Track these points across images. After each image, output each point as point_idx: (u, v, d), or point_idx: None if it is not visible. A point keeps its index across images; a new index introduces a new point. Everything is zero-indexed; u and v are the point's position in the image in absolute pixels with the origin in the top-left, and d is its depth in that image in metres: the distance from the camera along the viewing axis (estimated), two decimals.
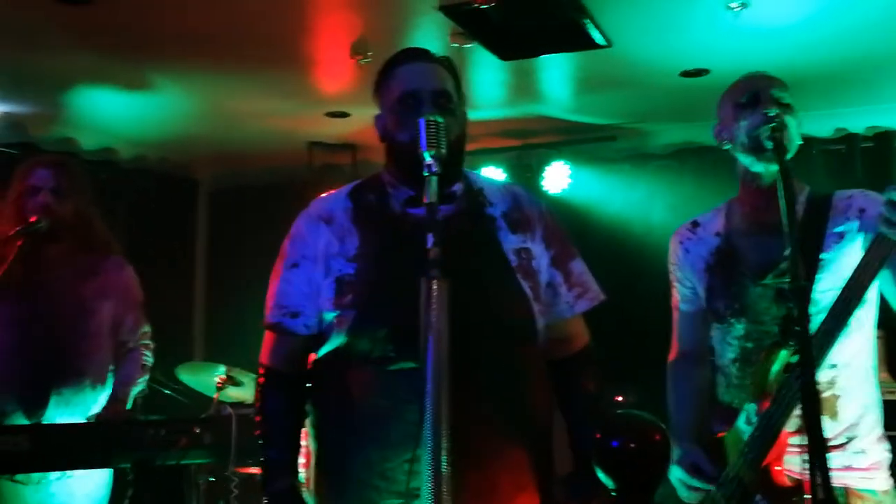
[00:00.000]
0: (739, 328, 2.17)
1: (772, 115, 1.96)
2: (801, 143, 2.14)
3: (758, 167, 2.11)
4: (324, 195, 2.10)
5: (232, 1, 3.66)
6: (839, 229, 2.08)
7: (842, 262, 2.04)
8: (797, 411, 1.88)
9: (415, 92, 1.93)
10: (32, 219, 2.92)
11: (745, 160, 2.14)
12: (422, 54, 2.01)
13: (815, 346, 1.89)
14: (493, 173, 5.49)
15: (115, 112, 5.26)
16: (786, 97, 2.14)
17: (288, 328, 1.97)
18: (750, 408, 2.06)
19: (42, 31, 3.90)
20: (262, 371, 2.03)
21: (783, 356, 1.98)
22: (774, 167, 2.04)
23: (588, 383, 2.06)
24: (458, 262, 1.78)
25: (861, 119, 5.03)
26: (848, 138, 5.05)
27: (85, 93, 4.89)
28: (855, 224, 2.07)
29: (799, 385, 1.58)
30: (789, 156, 2.07)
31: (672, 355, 2.39)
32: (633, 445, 1.54)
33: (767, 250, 2.10)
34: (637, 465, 1.54)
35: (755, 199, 2.16)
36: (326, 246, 1.93)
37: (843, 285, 1.92)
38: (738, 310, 2.16)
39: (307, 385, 2.01)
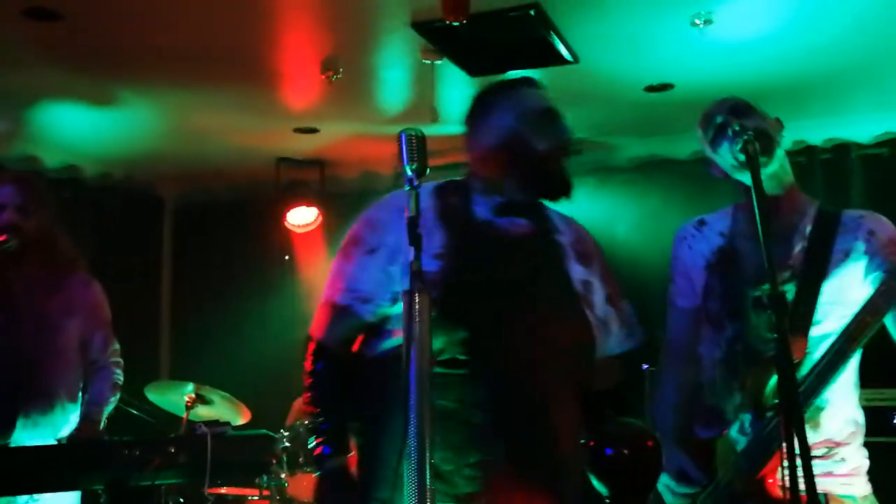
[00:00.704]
0: (731, 330, 2.18)
1: (737, 129, 2.00)
2: (783, 151, 2.20)
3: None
4: (399, 190, 2.09)
5: (201, 17, 3.65)
6: (845, 247, 2.12)
7: (844, 279, 2.10)
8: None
9: (545, 109, 2.12)
10: (1, 238, 2.88)
11: (745, 178, 2.17)
12: (533, 82, 2.20)
13: (817, 374, 1.97)
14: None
15: (79, 129, 5.21)
16: (748, 106, 2.19)
17: (355, 311, 1.96)
18: (745, 417, 2.07)
19: (8, 46, 3.86)
20: (313, 345, 2.01)
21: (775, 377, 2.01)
22: (773, 165, 2.11)
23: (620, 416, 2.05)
24: (534, 280, 1.90)
25: (820, 131, 5.15)
26: (807, 150, 5.15)
27: (49, 109, 4.84)
28: (862, 245, 2.11)
29: (781, 393, 1.61)
30: (773, 165, 2.13)
31: (663, 354, 2.40)
32: (626, 452, 1.56)
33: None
34: (630, 471, 1.56)
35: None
36: (407, 238, 1.93)
37: (848, 323, 1.98)
38: (732, 312, 2.18)
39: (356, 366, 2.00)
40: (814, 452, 2.02)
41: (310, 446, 1.99)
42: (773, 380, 1.98)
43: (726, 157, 2.15)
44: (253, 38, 3.89)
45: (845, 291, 2.09)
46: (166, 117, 5.04)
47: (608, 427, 1.82)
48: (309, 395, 1.98)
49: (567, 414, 1.90)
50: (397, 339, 1.88)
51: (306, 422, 2.02)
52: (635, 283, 5.44)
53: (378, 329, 1.96)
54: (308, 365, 2.00)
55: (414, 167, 1.73)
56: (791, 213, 2.20)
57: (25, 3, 3.40)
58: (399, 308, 1.86)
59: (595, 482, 1.60)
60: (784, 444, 1.58)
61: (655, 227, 5.21)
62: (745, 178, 2.07)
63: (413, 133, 1.76)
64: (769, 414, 2.03)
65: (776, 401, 1.96)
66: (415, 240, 1.67)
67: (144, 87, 4.54)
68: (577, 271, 2.00)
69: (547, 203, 2.09)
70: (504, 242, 1.68)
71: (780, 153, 2.18)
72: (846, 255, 2.11)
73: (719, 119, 2.17)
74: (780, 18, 3.66)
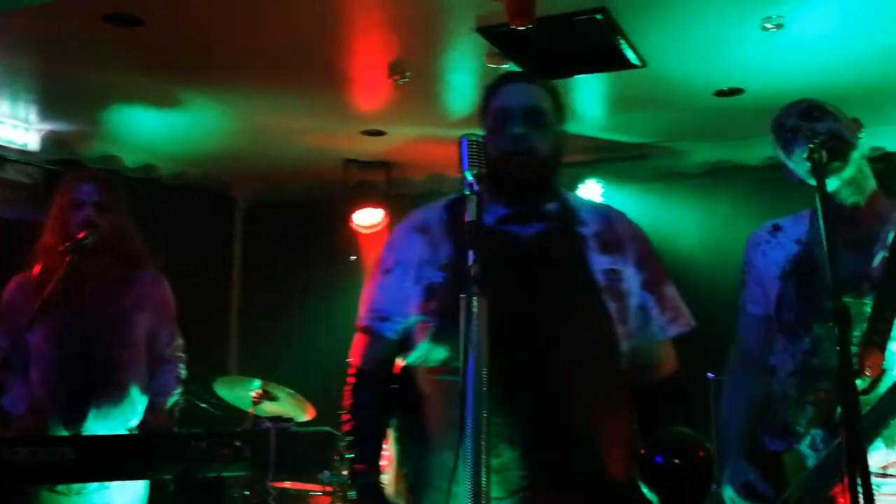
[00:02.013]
0: (807, 342, 2.10)
1: (808, 134, 1.95)
2: (861, 155, 2.11)
3: (829, 186, 2.03)
4: (423, 206, 2.13)
5: (272, 22, 3.74)
6: None
7: None
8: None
9: (507, 108, 1.97)
10: (80, 234, 2.99)
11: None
12: (520, 76, 2.08)
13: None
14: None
15: (156, 130, 5.38)
16: (819, 108, 2.11)
17: (377, 331, 2.03)
18: (816, 433, 2.02)
19: (91, 50, 4.01)
20: (351, 371, 2.09)
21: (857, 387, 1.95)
22: (836, 182, 2.04)
23: (673, 410, 2.02)
24: (544, 279, 1.86)
25: None
26: (885, 157, 4.99)
27: (128, 111, 5.01)
28: None
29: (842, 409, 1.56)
30: (849, 170, 2.06)
31: (733, 361, 2.33)
32: (677, 461, 1.54)
33: (849, 266, 2.02)
34: (681, 481, 1.54)
35: (838, 212, 2.09)
36: (420, 254, 1.99)
37: None
38: (809, 323, 2.10)
39: (394, 388, 2.05)
40: (889, 471, 1.97)
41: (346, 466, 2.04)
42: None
43: (799, 162, 2.07)
44: (322, 41, 3.97)
45: None
46: (238, 119, 5.17)
47: (659, 435, 1.80)
48: (347, 427, 2.04)
49: (590, 411, 1.88)
50: (417, 350, 1.94)
51: (347, 438, 2.05)
52: (704, 290, 5.41)
53: (405, 345, 1.99)
54: (345, 400, 2.07)
55: (474, 172, 1.76)
56: (872, 220, 2.10)
57: (106, 8, 3.54)
58: (416, 321, 1.94)
59: (645, 491, 1.59)
60: (846, 462, 1.53)
61: (725, 233, 5.13)
62: (843, 172, 2.05)
63: (473, 138, 1.79)
64: None
65: None
66: (475, 243, 1.68)
67: (218, 90, 4.66)
68: (602, 261, 1.96)
69: (573, 195, 2.08)
70: (512, 247, 1.67)
71: (856, 156, 2.09)
72: None
73: (790, 123, 2.11)
74: (852, 21, 3.58)
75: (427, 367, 1.94)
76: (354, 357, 2.09)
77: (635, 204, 5.68)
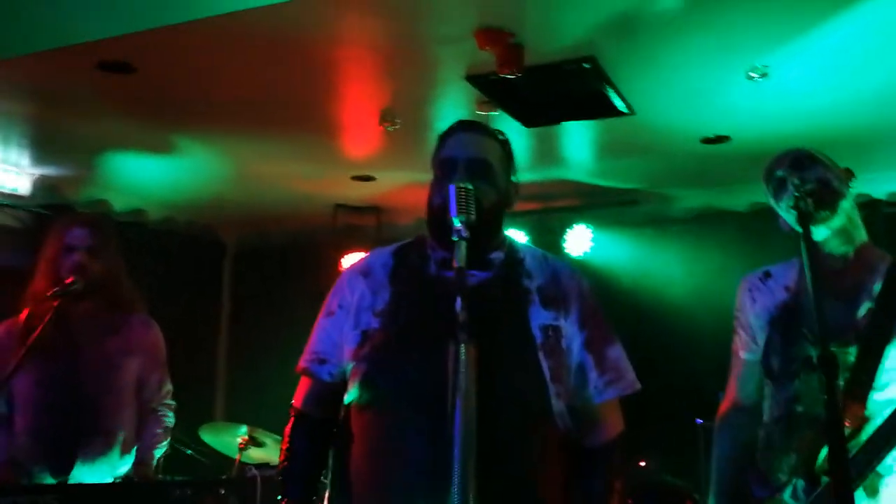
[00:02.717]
0: (791, 389, 2.11)
1: (796, 183, 1.97)
2: (852, 205, 2.13)
3: (817, 235, 2.07)
4: (373, 250, 2.14)
5: (264, 70, 3.78)
6: None
7: None
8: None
9: (451, 159, 1.98)
10: (69, 280, 2.98)
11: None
12: (470, 126, 2.06)
13: (878, 441, 1.88)
14: (515, 235, 5.56)
15: (146, 175, 5.40)
16: (809, 157, 2.13)
17: (314, 373, 2.03)
18: (798, 483, 2.01)
19: (85, 97, 4.05)
20: (291, 412, 2.09)
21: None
22: (826, 231, 2.05)
23: (612, 478, 1.96)
24: (481, 330, 1.78)
25: (884, 185, 5.05)
26: (871, 204, 5.05)
27: (118, 156, 5.03)
28: None
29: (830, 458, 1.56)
30: (838, 219, 2.07)
31: (725, 405, 2.32)
32: None
33: (835, 315, 2.02)
34: None
35: (828, 262, 2.12)
36: (360, 299, 1.98)
37: None
38: (794, 370, 2.11)
39: (332, 430, 2.04)
40: None
41: None
42: (825, 450, 1.92)
43: (787, 210, 2.10)
44: (314, 89, 4.01)
45: None
46: (228, 165, 5.20)
47: (647, 484, 1.79)
48: (280, 468, 2.05)
49: (517, 464, 1.84)
50: (350, 393, 1.93)
51: (279, 478, 2.05)
52: (691, 335, 5.42)
53: (344, 388, 1.98)
54: (283, 441, 2.07)
55: (462, 218, 1.78)
56: (860, 271, 2.12)
57: (101, 56, 3.57)
58: (349, 367, 1.94)
59: None
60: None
61: (713, 278, 5.16)
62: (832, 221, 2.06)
63: (462, 186, 1.83)
64: (824, 481, 1.96)
65: (827, 472, 1.91)
66: (462, 290, 1.69)
67: (208, 136, 4.69)
68: (542, 316, 1.93)
69: (521, 246, 2.07)
70: (448, 295, 1.66)
71: (846, 205, 2.11)
72: None
73: (779, 173, 2.13)
74: (836, 68, 3.64)
75: (357, 411, 1.93)
76: (295, 398, 2.09)
77: (624, 249, 5.73)
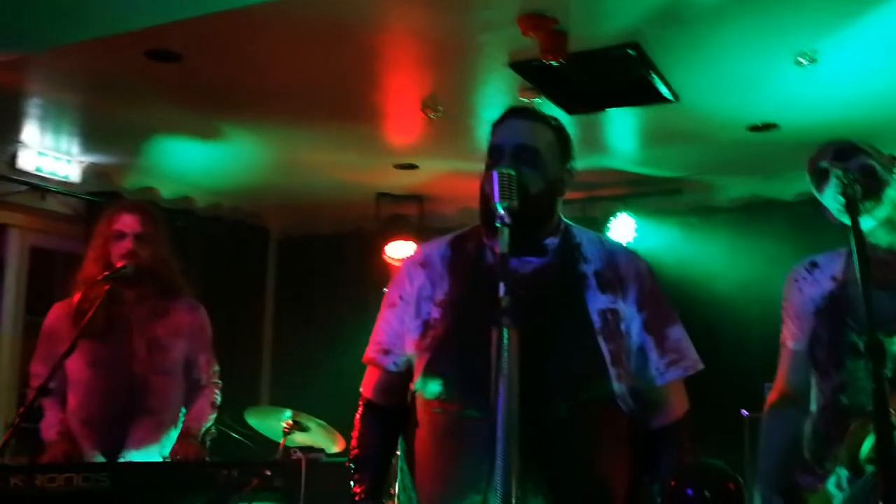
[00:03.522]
0: (836, 379, 2.10)
1: (839, 174, 1.95)
2: (894, 191, 2.09)
3: (863, 225, 2.00)
4: (430, 241, 2.16)
5: (308, 57, 3.81)
6: None
7: None
8: None
9: (499, 146, 1.99)
10: (119, 264, 3.05)
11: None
12: (520, 112, 2.05)
13: None
14: None
15: (192, 162, 5.48)
16: (851, 146, 2.11)
17: (379, 364, 2.08)
18: (842, 473, 2.00)
19: (131, 86, 4.12)
20: (360, 401, 2.14)
21: (870, 432, 1.92)
22: (871, 221, 2.03)
23: (680, 458, 1.94)
24: (537, 316, 1.83)
25: None
26: None
27: (165, 144, 5.12)
28: None
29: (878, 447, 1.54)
30: (884, 209, 2.05)
31: (773, 395, 2.32)
32: (707, 494, 1.52)
33: (881, 306, 1.95)
34: None
35: (874, 253, 2.08)
36: (420, 289, 2.01)
37: None
38: (839, 361, 2.09)
39: (400, 419, 2.08)
40: None
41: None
42: (871, 438, 1.90)
43: (831, 202, 2.09)
44: (357, 77, 4.03)
45: None
46: (273, 152, 5.25)
47: (689, 467, 1.78)
48: (352, 455, 2.09)
49: (579, 451, 1.86)
50: (417, 382, 1.96)
51: (350, 465, 2.10)
52: (737, 326, 5.35)
53: (411, 377, 2.02)
54: (354, 429, 2.12)
55: (505, 204, 1.79)
56: None
57: (148, 45, 3.63)
58: (413, 356, 1.97)
59: None
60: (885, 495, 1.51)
61: (759, 268, 5.10)
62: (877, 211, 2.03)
63: (505, 172, 1.83)
64: (868, 471, 1.94)
65: (871, 461, 1.90)
66: (505, 275, 1.70)
67: (253, 124, 4.75)
68: (600, 301, 1.93)
69: (578, 230, 2.07)
70: (509, 283, 1.68)
71: (892, 194, 2.08)
72: None
73: (822, 164, 2.11)
74: (885, 53, 3.56)
75: (424, 399, 1.96)
76: (363, 387, 2.14)
77: (668, 238, 5.67)
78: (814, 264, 2.26)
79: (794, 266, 2.31)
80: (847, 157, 2.09)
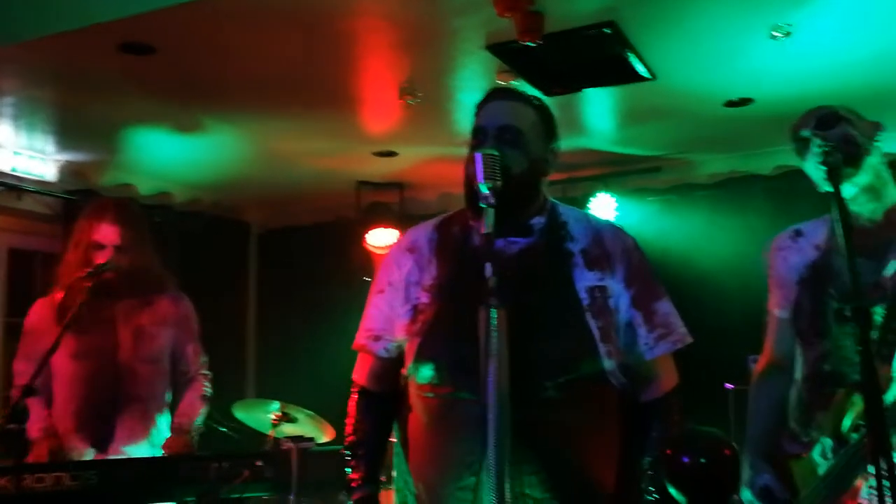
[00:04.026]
0: (819, 348, 2.12)
1: (818, 142, 1.95)
2: (881, 161, 2.10)
3: (844, 193, 2.00)
4: (416, 226, 2.15)
5: (283, 45, 3.78)
6: None
7: None
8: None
9: (482, 128, 1.99)
10: (99, 261, 3.02)
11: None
12: (502, 93, 2.06)
13: None
14: None
15: (170, 157, 5.44)
16: (833, 115, 2.10)
17: (370, 350, 2.08)
18: (826, 442, 2.02)
19: (105, 80, 4.07)
20: (353, 387, 2.14)
21: (854, 402, 1.96)
22: (852, 189, 2.03)
23: (669, 431, 1.96)
24: (525, 296, 1.84)
25: None
26: None
27: (142, 139, 5.07)
28: None
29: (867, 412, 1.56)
30: (864, 176, 2.05)
31: (761, 363, 2.33)
32: (703, 461, 1.54)
33: (862, 274, 1.94)
34: (707, 480, 1.54)
35: (856, 220, 2.08)
36: (408, 274, 2.01)
37: None
38: (821, 330, 2.11)
39: (394, 404, 2.09)
40: None
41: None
42: (852, 411, 1.93)
43: (813, 170, 2.08)
44: (333, 63, 4.00)
45: None
46: (251, 144, 5.22)
47: (684, 435, 1.80)
48: (347, 441, 2.09)
49: (570, 427, 1.87)
50: (409, 368, 1.97)
51: (345, 451, 2.10)
52: (718, 301, 5.38)
53: (402, 363, 2.02)
54: (348, 416, 2.12)
55: (489, 185, 1.79)
56: (888, 229, 2.09)
57: (121, 38, 3.59)
58: (404, 342, 1.97)
59: (672, 491, 1.59)
60: (873, 462, 1.52)
61: (738, 242, 5.14)
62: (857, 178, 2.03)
63: (488, 153, 1.83)
64: (852, 440, 1.96)
65: (855, 431, 1.92)
66: (491, 255, 1.70)
67: (230, 115, 4.71)
68: (587, 278, 1.93)
69: (564, 209, 2.07)
70: (495, 263, 1.67)
71: (872, 161, 2.08)
72: None
73: (803, 133, 2.11)
74: (860, 25, 3.58)
75: (416, 384, 1.97)
76: (354, 374, 2.14)
77: (649, 216, 5.70)
78: (798, 232, 2.27)
79: (778, 234, 2.32)
80: (828, 125, 2.09)
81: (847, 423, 1.97)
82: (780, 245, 2.29)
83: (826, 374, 2.08)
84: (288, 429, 4.40)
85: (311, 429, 4.39)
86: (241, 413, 4.56)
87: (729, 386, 4.87)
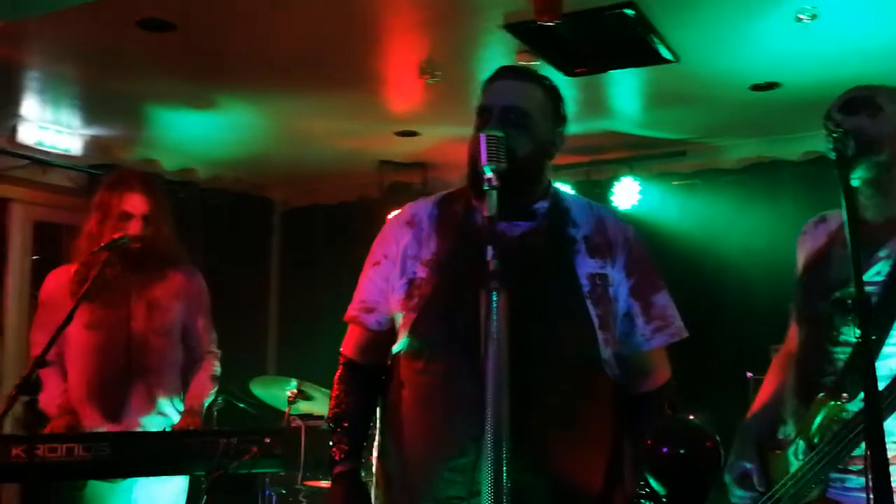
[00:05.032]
0: (805, 335, 2.12)
1: (831, 127, 1.91)
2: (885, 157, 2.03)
3: (853, 180, 2.00)
4: (417, 200, 2.15)
5: (305, 24, 3.77)
6: None
7: None
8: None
9: (487, 107, 1.97)
10: (117, 234, 3.05)
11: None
12: (510, 72, 2.03)
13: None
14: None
15: (194, 134, 5.46)
16: (860, 100, 2.04)
17: (362, 322, 2.06)
18: (800, 444, 2.01)
19: (127, 56, 4.09)
20: (340, 359, 2.13)
21: (830, 407, 1.94)
22: (858, 182, 2.01)
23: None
24: (526, 279, 1.83)
25: None
26: None
27: (165, 116, 5.10)
28: None
29: (846, 437, 1.57)
30: (866, 171, 2.01)
31: (782, 349, 2.32)
32: (682, 452, 1.52)
33: (849, 266, 1.91)
34: (687, 471, 1.53)
35: (862, 213, 2.06)
36: (406, 248, 2.00)
37: None
38: (811, 318, 2.10)
39: (381, 378, 2.07)
40: (853, 467, 1.96)
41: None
42: (820, 416, 1.94)
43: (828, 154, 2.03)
44: (354, 43, 3.99)
45: None
46: (273, 122, 5.23)
47: (665, 425, 1.78)
48: (330, 414, 2.08)
49: (568, 414, 1.86)
50: (401, 342, 1.95)
51: (329, 424, 2.09)
52: (742, 288, 5.32)
53: (394, 337, 2.01)
54: (333, 388, 2.11)
55: (493, 167, 1.76)
56: (882, 227, 2.06)
57: (139, 14, 3.60)
58: (399, 316, 1.95)
59: (652, 481, 1.58)
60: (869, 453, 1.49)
61: (764, 229, 5.07)
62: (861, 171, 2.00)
63: (492, 134, 1.80)
64: (818, 444, 1.96)
65: (820, 436, 1.93)
66: (493, 238, 1.68)
67: (252, 93, 4.72)
68: (588, 265, 1.92)
69: (567, 195, 2.05)
70: (497, 246, 1.65)
71: (881, 158, 2.02)
72: None
73: (830, 114, 2.06)
74: (887, 6, 3.48)
75: (408, 360, 1.95)
76: (343, 346, 2.12)
77: (673, 201, 5.64)
78: (822, 219, 2.25)
79: (807, 220, 2.29)
80: (852, 110, 2.03)
81: (814, 427, 1.96)
82: (806, 230, 2.27)
83: (812, 364, 2.07)
84: (304, 406, 4.43)
85: (327, 407, 4.40)
86: (259, 390, 4.61)
87: (750, 375, 4.83)
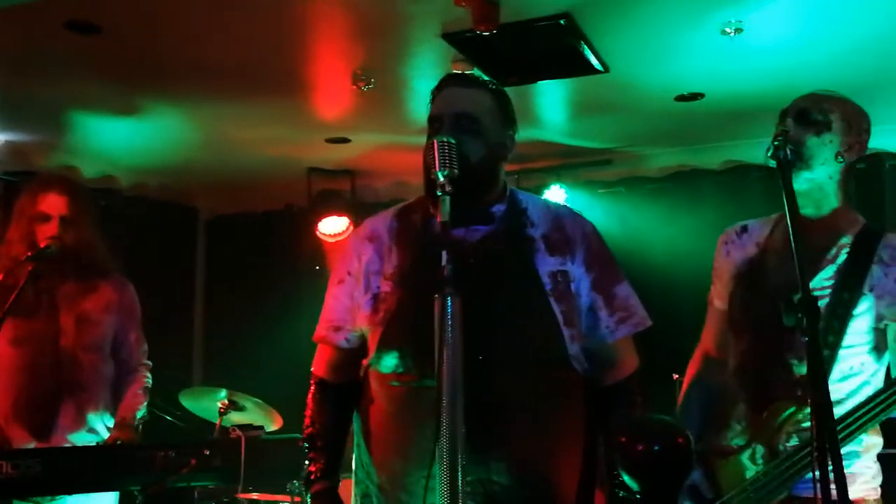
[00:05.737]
0: (747, 344, 2.16)
1: (779, 129, 1.97)
2: (830, 175, 2.11)
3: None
4: (376, 214, 2.14)
5: (234, 29, 3.71)
6: (879, 269, 2.05)
7: (876, 301, 2.03)
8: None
9: (438, 116, 1.98)
10: (43, 244, 2.95)
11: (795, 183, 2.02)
12: (457, 80, 2.05)
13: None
14: None
15: (115, 140, 5.31)
16: (814, 114, 2.09)
17: (331, 341, 2.07)
18: (758, 449, 2.05)
19: (49, 58, 3.96)
20: (312, 379, 2.13)
21: (789, 413, 1.99)
22: (805, 184, 2.06)
23: (633, 410, 2.00)
24: (487, 283, 1.85)
25: (884, 138, 5.04)
26: (871, 157, 5.01)
27: (87, 121, 4.94)
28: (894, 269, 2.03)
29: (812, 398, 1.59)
30: (819, 170, 2.07)
31: (697, 352, 2.37)
32: (656, 448, 1.56)
33: (789, 272, 1.94)
34: (661, 467, 1.56)
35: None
36: (368, 263, 2.01)
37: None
38: (750, 326, 2.16)
39: (353, 396, 2.08)
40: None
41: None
42: (779, 420, 1.98)
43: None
44: (285, 49, 3.95)
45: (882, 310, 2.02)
46: (200, 128, 5.12)
47: (638, 422, 1.83)
48: (305, 434, 2.09)
49: (537, 412, 1.89)
50: (372, 357, 1.97)
51: (304, 444, 2.09)
52: (667, 293, 5.47)
53: (364, 353, 2.02)
54: (307, 408, 2.11)
55: (446, 173, 1.78)
56: (826, 233, 2.12)
57: (67, 16, 3.48)
58: (367, 331, 1.97)
59: (626, 478, 1.61)
60: (817, 453, 1.53)
61: (687, 235, 5.21)
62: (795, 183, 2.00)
63: (444, 141, 1.82)
64: (786, 450, 2.00)
65: (788, 442, 1.98)
66: (447, 244, 1.69)
67: (179, 99, 4.62)
68: (549, 263, 1.96)
69: (523, 196, 2.08)
70: (456, 252, 1.66)
71: (814, 175, 2.08)
72: (883, 275, 2.04)
73: (784, 115, 2.12)
74: (811, 24, 3.63)
75: (380, 373, 1.96)
76: (313, 365, 2.13)
77: (599, 208, 5.74)
78: (744, 228, 2.31)
79: (726, 228, 2.36)
80: (804, 122, 2.08)
81: (777, 430, 2.01)
82: (726, 239, 2.32)
83: (751, 370, 2.12)
84: (236, 417, 4.34)
85: (260, 417, 4.35)
86: (188, 401, 4.49)
87: (676, 376, 4.95)
